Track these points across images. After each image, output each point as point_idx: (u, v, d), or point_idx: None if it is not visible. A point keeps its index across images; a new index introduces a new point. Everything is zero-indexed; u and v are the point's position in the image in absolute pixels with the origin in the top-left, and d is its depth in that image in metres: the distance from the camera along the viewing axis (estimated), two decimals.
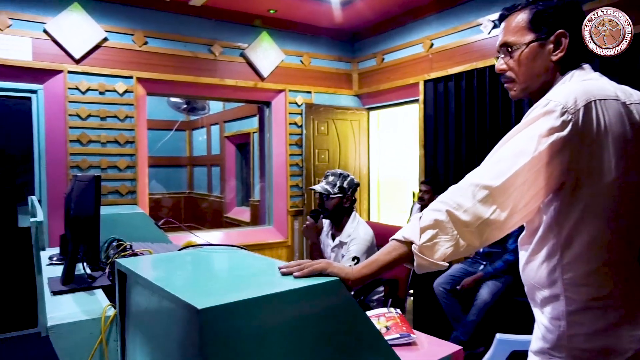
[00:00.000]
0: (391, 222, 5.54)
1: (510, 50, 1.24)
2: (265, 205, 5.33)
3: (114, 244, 2.22)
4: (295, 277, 1.04)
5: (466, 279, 3.46)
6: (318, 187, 2.49)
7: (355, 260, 2.27)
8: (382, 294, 2.58)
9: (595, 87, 1.07)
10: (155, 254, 1.36)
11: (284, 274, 1.06)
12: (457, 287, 3.45)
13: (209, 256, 1.30)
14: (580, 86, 1.08)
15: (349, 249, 2.35)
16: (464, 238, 1.04)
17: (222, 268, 1.13)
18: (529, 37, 1.18)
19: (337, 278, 1.04)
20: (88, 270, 1.69)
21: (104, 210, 2.80)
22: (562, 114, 1.02)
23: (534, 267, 1.17)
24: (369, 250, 2.35)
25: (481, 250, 3.54)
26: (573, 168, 1.03)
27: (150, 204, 7.73)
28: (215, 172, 7.92)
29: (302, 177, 5.09)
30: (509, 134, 1.09)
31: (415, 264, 1.06)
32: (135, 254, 1.94)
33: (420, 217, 1.08)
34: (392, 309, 1.63)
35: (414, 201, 5.74)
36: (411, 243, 1.06)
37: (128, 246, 2.09)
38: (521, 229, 1.20)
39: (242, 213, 7.00)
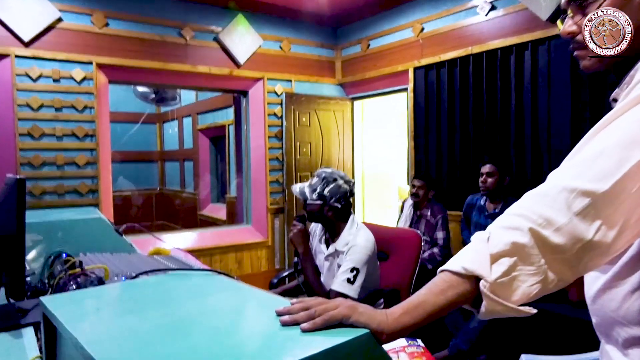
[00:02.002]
0: (376, 220, 5.24)
1: (583, 4, 0.90)
2: (242, 202, 4.94)
3: (63, 257, 1.82)
4: (304, 331, 0.69)
5: None
6: (297, 189, 2.13)
7: (355, 272, 1.93)
8: (382, 306, 2.25)
9: None
10: (96, 289, 0.99)
11: (285, 323, 0.72)
12: None
13: (174, 289, 0.93)
14: None
15: (346, 258, 2.00)
16: (553, 269, 0.71)
17: (191, 316, 0.77)
18: None
19: (367, 331, 0.70)
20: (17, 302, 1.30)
21: (55, 216, 2.39)
22: None
23: (617, 296, 0.85)
24: (370, 260, 2.01)
25: None
26: None
27: (119, 202, 7.25)
28: (189, 167, 7.47)
29: (282, 172, 4.71)
30: (608, 117, 0.76)
31: (483, 308, 0.73)
32: (85, 274, 1.55)
33: (488, 238, 0.74)
34: (411, 341, 1.30)
35: (400, 198, 5.46)
36: (476, 278, 0.72)
37: (77, 262, 1.70)
38: None
39: (218, 210, 6.59)
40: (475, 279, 0.73)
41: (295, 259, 2.13)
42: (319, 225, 2.25)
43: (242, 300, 0.88)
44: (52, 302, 0.89)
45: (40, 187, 3.56)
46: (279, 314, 0.75)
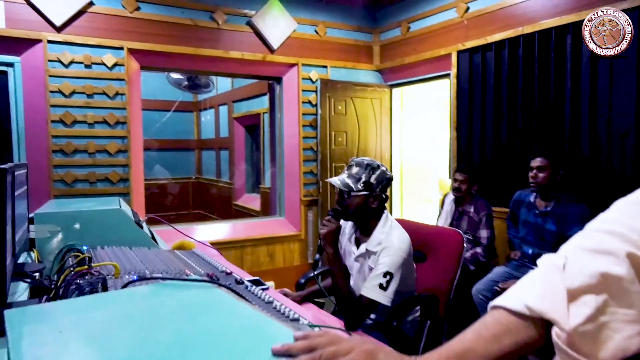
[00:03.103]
0: (415, 215, 5.00)
1: None
2: (276, 193, 4.80)
3: (73, 252, 1.71)
4: None
5: (509, 281, 2.92)
6: (337, 181, 1.91)
7: (388, 277, 1.73)
8: (418, 314, 2.04)
9: None
10: (72, 301, 0.85)
11: None
12: (497, 287, 2.91)
13: (157, 308, 0.77)
14: None
15: (378, 261, 1.80)
16: None
17: (167, 349, 0.60)
18: None
19: None
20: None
21: (74, 206, 2.30)
22: None
23: None
24: (405, 263, 1.80)
25: (530, 251, 2.98)
26: None
27: (155, 190, 7.31)
28: (224, 156, 7.42)
29: (317, 162, 4.54)
30: None
31: None
32: (91, 272, 1.42)
33: (563, 264, 0.53)
34: None
35: (441, 191, 5.18)
36: (545, 321, 0.52)
37: (86, 259, 1.59)
38: None
39: (252, 201, 6.50)
40: (545, 324, 0.52)
41: (317, 256, 1.94)
42: (349, 223, 2.06)
43: (234, 327, 0.70)
44: (14, 319, 0.74)
45: (72, 175, 3.53)
46: (275, 354, 0.57)
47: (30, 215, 2.02)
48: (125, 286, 1.08)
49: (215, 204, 7.58)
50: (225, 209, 7.08)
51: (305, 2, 4.44)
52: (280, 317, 1.32)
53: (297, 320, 1.31)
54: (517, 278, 2.92)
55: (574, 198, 2.88)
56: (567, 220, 2.78)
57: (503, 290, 2.85)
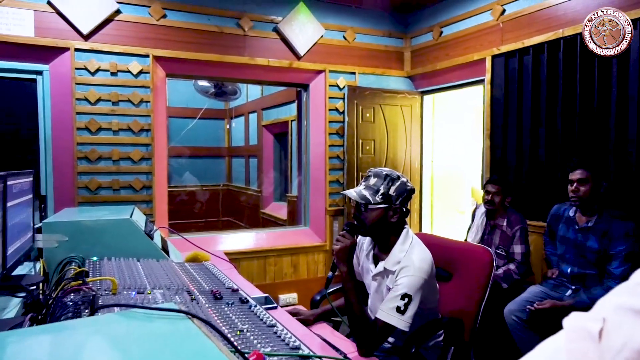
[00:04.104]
0: (447, 227, 4.78)
1: None
2: (301, 202, 4.70)
3: (72, 265, 1.65)
4: None
5: (545, 300, 2.68)
6: (353, 193, 1.76)
7: (406, 300, 1.57)
8: (441, 338, 1.87)
9: None
10: (33, 329, 0.75)
11: None
12: (531, 307, 2.67)
13: (111, 344, 0.66)
14: None
15: (396, 281, 1.65)
16: None
17: None
18: None
19: None
20: None
21: (85, 215, 2.26)
22: None
23: None
24: (426, 285, 1.64)
25: (569, 270, 2.74)
26: None
27: (184, 198, 7.34)
28: (253, 164, 7.39)
29: (343, 171, 4.40)
30: None
31: None
32: (82, 289, 1.34)
33: (600, 331, 0.38)
34: None
35: (474, 201, 4.95)
36: None
37: (83, 273, 1.51)
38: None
39: (279, 209, 6.42)
40: None
41: (330, 274, 1.80)
42: (367, 238, 1.91)
43: None
44: None
45: (96, 182, 3.53)
46: None
47: (39, 224, 1.98)
48: (94, 312, 0.98)
49: (244, 211, 7.55)
50: (254, 217, 7.03)
51: (334, 8, 4.34)
52: (279, 344, 1.20)
53: (297, 348, 1.18)
54: (554, 298, 2.69)
55: (619, 213, 2.63)
56: (611, 237, 2.54)
57: (537, 310, 2.62)
